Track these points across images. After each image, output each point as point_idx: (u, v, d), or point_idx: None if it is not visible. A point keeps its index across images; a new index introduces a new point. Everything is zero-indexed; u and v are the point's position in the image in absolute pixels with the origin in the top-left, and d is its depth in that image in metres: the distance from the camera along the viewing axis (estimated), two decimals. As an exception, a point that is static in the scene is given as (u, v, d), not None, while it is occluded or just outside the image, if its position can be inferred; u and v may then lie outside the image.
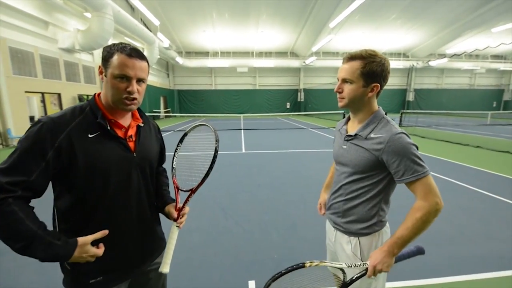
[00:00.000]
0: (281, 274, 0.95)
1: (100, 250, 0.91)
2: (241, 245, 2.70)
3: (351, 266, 1.03)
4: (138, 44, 18.01)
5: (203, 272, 2.28)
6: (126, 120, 1.02)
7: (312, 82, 28.65)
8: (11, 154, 0.81)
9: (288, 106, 29.00)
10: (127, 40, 16.68)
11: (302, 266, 0.96)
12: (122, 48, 0.91)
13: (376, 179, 1.12)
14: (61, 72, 11.35)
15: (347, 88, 1.11)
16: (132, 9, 16.16)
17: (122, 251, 1.00)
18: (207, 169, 1.09)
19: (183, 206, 1.10)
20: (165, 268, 1.02)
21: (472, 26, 19.43)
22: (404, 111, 15.73)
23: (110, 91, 0.92)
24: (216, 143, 1.09)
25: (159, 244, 1.16)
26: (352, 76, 1.08)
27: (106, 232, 0.92)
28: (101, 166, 0.90)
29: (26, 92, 9.63)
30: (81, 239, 0.86)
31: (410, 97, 29.57)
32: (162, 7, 16.47)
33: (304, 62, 24.84)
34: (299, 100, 28.83)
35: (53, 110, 11.40)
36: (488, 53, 26.55)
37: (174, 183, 1.17)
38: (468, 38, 22.07)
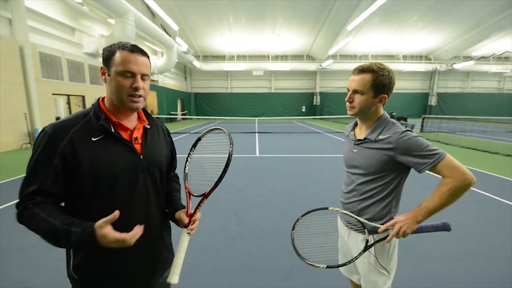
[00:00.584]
0: (307, 213, 1.24)
1: (123, 235, 0.82)
2: (253, 252, 2.65)
3: (370, 224, 1.17)
4: (157, 49, 18.62)
5: (213, 277, 2.24)
6: (131, 122, 0.99)
7: (329, 85, 28.24)
8: (28, 164, 0.87)
9: (303, 110, 28.72)
10: (147, 45, 17.29)
11: (326, 208, 1.22)
12: (123, 45, 0.89)
13: (388, 179, 1.20)
14: (86, 76, 11.93)
15: (358, 99, 1.19)
16: (153, 15, 16.75)
17: (129, 261, 0.97)
18: (221, 173, 1.03)
19: (194, 212, 1.05)
20: (173, 278, 0.95)
21: (501, 27, 18.35)
22: (426, 116, 15.03)
23: (115, 89, 0.89)
24: (230, 147, 1.04)
25: (168, 256, 1.11)
26: (364, 87, 1.16)
27: (117, 214, 0.82)
28: (107, 170, 0.88)
29: (53, 94, 10.20)
30: (96, 224, 0.81)
31: (433, 101, 28.33)
32: (181, 13, 16.93)
33: (321, 65, 24.55)
34: (315, 103, 28.47)
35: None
36: (519, 55, 24.97)
37: (186, 188, 1.12)
38: (497, 40, 20.85)
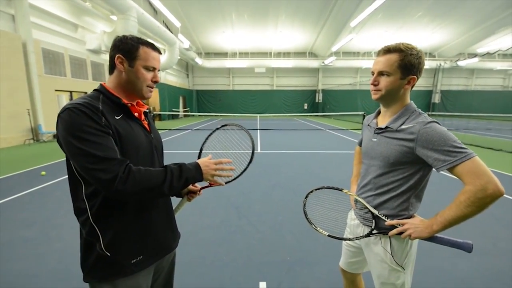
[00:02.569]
0: (322, 187, 1.31)
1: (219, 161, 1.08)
2: (254, 246, 2.65)
3: (380, 217, 1.14)
4: (159, 45, 18.57)
5: (214, 270, 2.25)
6: (135, 106, 1.07)
7: (331, 82, 28.07)
8: (79, 143, 0.83)
9: (305, 107, 28.61)
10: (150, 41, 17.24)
11: (340, 190, 1.27)
12: (145, 42, 1.00)
13: (407, 173, 1.10)
14: (88, 72, 11.97)
15: (384, 81, 1.09)
16: (155, 11, 16.71)
17: (156, 228, 1.06)
18: (242, 171, 1.24)
19: (200, 189, 1.25)
20: None
21: (507, 23, 18.04)
22: (430, 113, 14.90)
23: (136, 80, 0.99)
24: (251, 156, 1.19)
25: (176, 225, 1.22)
26: (390, 68, 1.07)
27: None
28: (133, 145, 0.96)
29: (56, 90, 10.25)
30: (200, 160, 1.05)
31: (436, 99, 28.06)
32: (183, 9, 16.87)
33: (323, 62, 24.39)
34: (317, 101, 28.34)
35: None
36: (525, 52, 24.57)
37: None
38: (502, 36, 20.53)
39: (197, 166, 1.02)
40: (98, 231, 0.93)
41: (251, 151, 1.18)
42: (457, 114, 21.95)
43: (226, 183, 1.20)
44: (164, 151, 1.21)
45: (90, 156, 0.82)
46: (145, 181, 0.87)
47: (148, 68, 0.99)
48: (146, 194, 0.91)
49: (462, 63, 23.49)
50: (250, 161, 1.21)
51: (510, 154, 7.29)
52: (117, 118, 0.94)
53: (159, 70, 1.04)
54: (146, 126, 1.07)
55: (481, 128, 15.38)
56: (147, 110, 1.12)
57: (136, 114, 1.03)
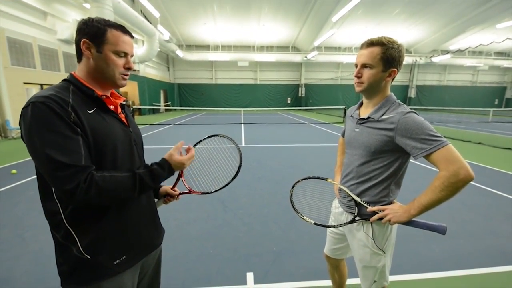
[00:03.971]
0: (308, 178, 1.37)
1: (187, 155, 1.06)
2: (240, 238, 2.67)
3: (362, 204, 1.20)
4: (138, 37, 17.83)
5: (201, 264, 2.25)
6: (110, 97, 0.99)
7: (313, 77, 28.44)
8: (40, 143, 0.76)
9: (289, 101, 28.84)
10: (127, 32, 16.44)
11: (325, 179, 1.33)
12: (113, 24, 0.90)
13: (387, 161, 1.15)
14: (60, 64, 11.24)
15: (367, 73, 1.13)
16: (132, 0, 15.92)
17: (139, 226, 1.02)
18: (218, 187, 1.27)
19: (178, 195, 1.21)
20: None
21: (477, 22, 19.16)
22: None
23: (106, 66, 0.90)
24: (237, 171, 1.23)
25: (159, 221, 1.18)
26: (373, 61, 1.11)
27: (183, 142, 1.07)
28: (109, 141, 0.89)
29: (24, 83, 9.55)
30: (167, 155, 1.00)
31: (412, 93, 29.37)
32: (163, -1, 16.22)
33: (306, 57, 24.61)
34: (300, 95, 28.66)
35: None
36: (491, 49, 26.26)
37: (181, 175, 1.20)
38: (472, 34, 21.78)
39: (168, 165, 0.98)
40: (74, 234, 0.85)
41: (238, 165, 1.22)
42: (431, 108, 23.16)
43: (210, 192, 1.25)
44: (145, 147, 1.15)
45: (52, 162, 0.75)
46: (110, 189, 0.81)
47: (118, 53, 0.90)
48: (113, 201, 0.87)
49: (436, 59, 24.66)
50: (235, 177, 1.25)
51: (477, 145, 7.84)
52: (90, 112, 0.86)
53: (132, 56, 0.96)
54: (123, 119, 0.99)
55: (452, 121, 16.34)
56: (124, 102, 1.04)
57: (111, 107, 0.95)
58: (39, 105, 0.76)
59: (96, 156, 0.85)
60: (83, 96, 0.88)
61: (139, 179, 0.87)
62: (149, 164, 0.96)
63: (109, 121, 0.91)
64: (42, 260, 2.25)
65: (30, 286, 1.96)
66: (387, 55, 1.09)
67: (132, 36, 0.96)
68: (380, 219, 1.14)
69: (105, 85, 0.94)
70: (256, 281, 2.02)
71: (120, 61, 0.91)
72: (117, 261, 0.93)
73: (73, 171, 0.76)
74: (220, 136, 1.28)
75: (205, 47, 25.50)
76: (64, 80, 0.90)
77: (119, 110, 1.00)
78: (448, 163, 0.98)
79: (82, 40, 0.87)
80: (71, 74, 0.92)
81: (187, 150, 1.08)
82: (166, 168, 0.96)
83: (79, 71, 0.92)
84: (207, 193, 1.25)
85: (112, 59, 0.89)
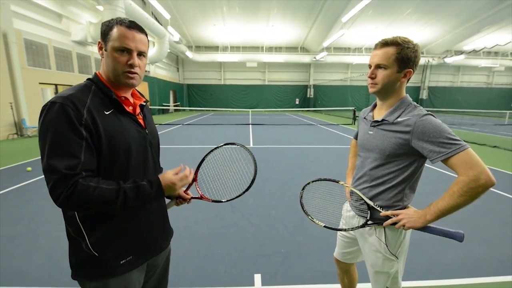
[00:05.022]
0: (319, 179, 1.32)
1: (185, 172, 1.00)
2: (248, 239, 2.66)
3: (375, 208, 1.16)
4: (149, 38, 18.06)
5: (208, 264, 2.25)
6: (130, 98, 1.00)
7: (322, 78, 28.20)
8: (45, 143, 0.79)
9: (297, 102, 28.70)
10: (138, 33, 16.74)
11: (337, 181, 1.27)
12: (121, 20, 0.89)
13: (402, 165, 1.11)
14: (74, 65, 11.55)
15: (381, 74, 1.10)
16: (144, 2, 16.21)
17: (147, 228, 1.02)
18: (230, 198, 1.27)
19: (191, 198, 1.19)
20: None
21: (492, 22, 18.54)
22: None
23: (111, 65, 0.89)
24: (250, 183, 1.23)
25: (169, 223, 1.19)
26: (387, 61, 1.07)
27: (181, 167, 1.03)
28: (123, 143, 0.89)
29: (40, 83, 9.86)
30: (161, 175, 0.95)
31: (424, 95, 28.71)
32: (173, 1, 16.44)
33: (315, 58, 24.43)
34: (308, 96, 28.46)
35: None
36: (508, 50, 25.38)
37: (195, 179, 1.20)
38: (487, 34, 21.11)
39: (157, 184, 0.92)
40: (83, 231, 0.88)
41: (251, 178, 1.21)
42: (444, 110, 22.60)
43: (222, 201, 1.25)
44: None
45: (47, 163, 0.78)
46: (89, 201, 0.80)
47: (120, 50, 0.86)
48: (94, 211, 0.86)
49: (449, 60, 24.04)
50: (247, 189, 1.24)
51: (492, 148, 7.58)
52: (107, 113, 0.87)
53: (142, 53, 0.91)
54: (141, 121, 0.99)
55: (466, 123, 15.88)
56: (144, 103, 1.04)
57: (130, 108, 0.96)
58: (55, 106, 0.79)
59: (110, 155, 0.87)
60: (103, 97, 0.89)
61: (122, 194, 0.84)
62: (141, 180, 0.92)
63: (125, 123, 0.92)
64: (55, 255, 2.31)
65: (42, 281, 2.01)
66: (402, 55, 1.06)
67: (142, 31, 0.92)
68: (394, 224, 1.10)
69: (117, 84, 0.92)
70: (264, 283, 2.01)
71: (122, 58, 0.87)
72: (123, 261, 0.94)
73: (61, 176, 0.77)
74: (237, 145, 1.26)
75: (214, 48, 25.68)
76: (88, 79, 0.93)
77: (138, 111, 1.00)
78: (468, 167, 0.94)
79: (98, 40, 0.91)
80: (95, 74, 0.94)
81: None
82: (155, 186, 0.90)
83: (101, 71, 0.95)
84: (220, 201, 1.25)
85: (113, 56, 0.87)
